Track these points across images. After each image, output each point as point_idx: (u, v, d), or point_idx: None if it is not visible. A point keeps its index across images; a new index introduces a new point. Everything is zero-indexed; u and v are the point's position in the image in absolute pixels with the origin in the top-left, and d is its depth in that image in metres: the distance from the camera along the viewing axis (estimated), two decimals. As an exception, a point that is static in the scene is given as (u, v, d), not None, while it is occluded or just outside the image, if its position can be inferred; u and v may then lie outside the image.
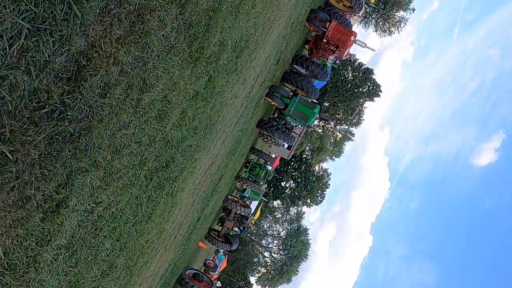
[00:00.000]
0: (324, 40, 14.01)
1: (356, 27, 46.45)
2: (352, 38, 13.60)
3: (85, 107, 2.84)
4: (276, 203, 63.05)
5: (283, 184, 58.63)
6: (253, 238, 64.70)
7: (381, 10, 42.68)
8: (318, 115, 16.24)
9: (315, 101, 20.88)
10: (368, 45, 14.79)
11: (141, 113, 3.75)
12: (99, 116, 3.06)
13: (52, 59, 2.29)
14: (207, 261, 28.54)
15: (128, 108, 3.45)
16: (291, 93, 15.23)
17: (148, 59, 3.38)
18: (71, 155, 2.97)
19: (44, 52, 2.19)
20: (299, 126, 17.89)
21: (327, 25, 13.42)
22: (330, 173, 61.10)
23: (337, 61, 15.69)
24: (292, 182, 59.73)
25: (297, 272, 64.65)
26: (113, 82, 3.03)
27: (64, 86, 2.51)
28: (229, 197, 19.42)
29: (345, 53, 14.87)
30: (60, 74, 2.42)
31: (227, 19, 4.69)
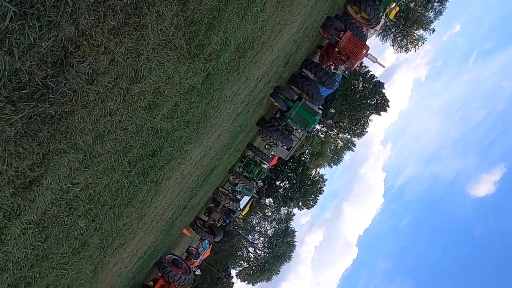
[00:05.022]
0: (336, 49, 13.98)
1: (374, 39, 46.26)
2: (364, 51, 13.55)
3: (69, 91, 2.85)
4: (268, 201, 63.12)
5: (277, 183, 58.68)
6: (240, 232, 64.84)
7: (401, 26, 42.45)
8: (318, 122, 16.19)
9: (321, 107, 20.84)
10: (380, 60, 14.75)
11: (129, 102, 3.76)
12: (83, 101, 3.07)
13: (37, 42, 2.30)
14: (190, 248, 28.66)
15: (116, 96, 3.46)
16: (296, 97, 15.21)
17: (142, 51, 3.39)
18: (50, 136, 2.99)
19: (30, 35, 2.20)
20: (299, 130, 17.89)
21: (341, 34, 13.38)
22: (326, 180, 61.06)
23: (346, 72, 15.65)
24: (287, 182, 59.77)
25: (278, 272, 64.82)
26: (101, 70, 3.04)
27: (48, 70, 2.52)
28: (220, 189, 19.46)
29: (356, 65, 14.82)
30: (45, 57, 2.44)
31: (232, 20, 4.68)
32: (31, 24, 2.16)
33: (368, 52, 13.82)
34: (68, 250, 4.87)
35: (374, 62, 14.90)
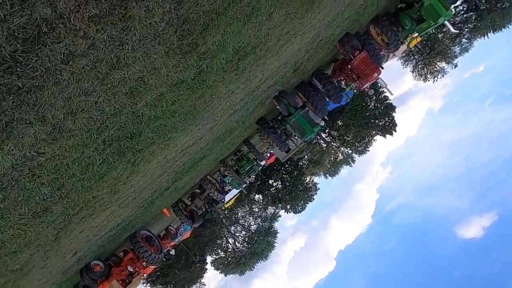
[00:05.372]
0: (349, 66, 13.93)
1: (395, 61, 45.92)
2: (375, 75, 13.49)
3: (41, 67, 2.88)
4: (258, 197, 63.25)
5: (270, 181, 58.82)
6: (224, 221, 65.05)
7: (425, 54, 42.11)
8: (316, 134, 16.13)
9: (326, 117, 20.75)
10: (389, 87, 14.68)
11: (108, 86, 3.78)
12: (56, 78, 3.10)
13: (8, 19, 2.33)
14: (169, 227, 28.79)
15: (93, 79, 3.48)
16: (300, 104, 15.17)
17: (127, 41, 3.40)
18: (15, 106, 3.02)
19: (-1, 11, 2.23)
20: (296, 137, 17.87)
21: (356, 53, 13.32)
22: (319, 189, 61.14)
23: (355, 90, 15.62)
24: (280, 183, 59.91)
25: (252, 268, 65.09)
26: (79, 53, 3.06)
27: (18, 45, 2.54)
28: (208, 177, 19.49)
29: (365, 86, 14.77)
30: (15, 33, 2.46)
31: (232, 24, 4.68)
32: (1, 1, 2.18)
33: (379, 76, 13.75)
34: (27, 212, 4.93)
35: (383, 87, 14.84)
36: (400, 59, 44.69)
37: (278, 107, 14.10)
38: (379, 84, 14.97)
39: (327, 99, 16.45)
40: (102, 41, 3.15)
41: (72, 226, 7.08)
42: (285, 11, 5.69)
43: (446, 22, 13.26)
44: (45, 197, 4.96)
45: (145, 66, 3.95)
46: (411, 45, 17.08)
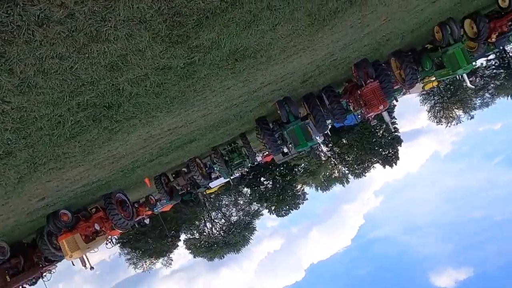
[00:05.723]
0: (358, 92, 13.89)
1: (415, 96, 45.66)
2: (381, 107, 13.43)
3: (11, 24, 2.90)
4: (246, 190, 63.42)
5: (262, 179, 58.99)
6: (206, 204, 65.31)
7: (445, 98, 41.87)
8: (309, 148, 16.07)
9: (329, 133, 20.69)
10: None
11: (86, 55, 3.80)
12: (27, 38, 3.12)
13: (-22, -27, 2.35)
14: (150, 196, 28.96)
15: (69, 46, 3.50)
16: (301, 115, 15.14)
17: (110, 18, 3.42)
18: (-20, 53, 3.05)
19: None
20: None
21: (368, 81, 13.25)
22: (307, 199, 61.24)
23: (360, 116, 15.57)
24: (270, 183, 60.07)
25: (222, 257, 65.44)
26: (55, 19, 3.08)
27: (-14, -1, 2.57)
28: (197, 160, 19.56)
29: (370, 115, 14.71)
30: (-15, -12, 2.48)
31: (230, 27, 4.68)
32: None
33: (385, 109, 13.68)
34: (-12, 152, 4.99)
35: (386, 121, 14.78)
36: (420, 96, 44.45)
37: (279, 111, 14.10)
38: (385, 120, 14.88)
39: (332, 117, 16.41)
40: (82, 13, 3.17)
41: (38, 174, 7.14)
42: (292, 26, 5.67)
43: (465, 75, 13.13)
44: (9, 142, 5.01)
45: (128, 46, 3.97)
46: (426, 88, 16.94)
